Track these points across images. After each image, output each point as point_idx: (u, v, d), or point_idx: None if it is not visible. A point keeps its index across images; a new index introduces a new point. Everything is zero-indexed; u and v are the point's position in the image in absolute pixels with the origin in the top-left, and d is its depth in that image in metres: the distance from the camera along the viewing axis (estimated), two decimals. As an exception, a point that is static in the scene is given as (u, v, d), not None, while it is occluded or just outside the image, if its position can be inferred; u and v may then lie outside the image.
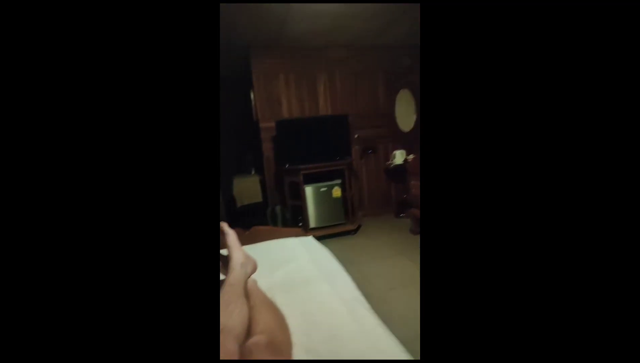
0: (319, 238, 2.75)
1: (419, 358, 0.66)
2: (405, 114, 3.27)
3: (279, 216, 2.81)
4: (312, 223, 2.87)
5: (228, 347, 0.52)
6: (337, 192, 2.90)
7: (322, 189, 2.87)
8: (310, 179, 2.83)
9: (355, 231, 2.94)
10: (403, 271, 2.04)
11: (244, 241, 1.38)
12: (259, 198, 3.25)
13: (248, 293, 0.76)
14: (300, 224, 2.86)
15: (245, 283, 0.78)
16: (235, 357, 0.52)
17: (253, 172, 3.71)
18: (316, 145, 2.99)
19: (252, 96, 3.20)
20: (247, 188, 3.26)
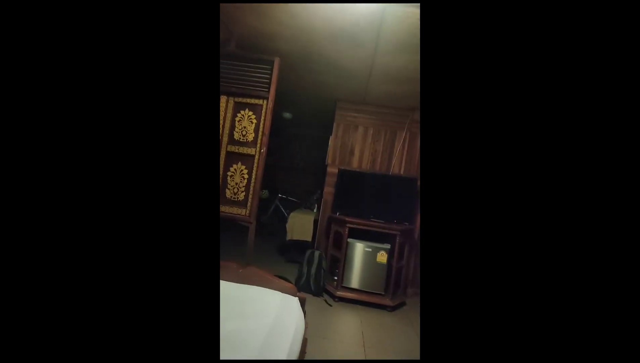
0: (349, 301, 2.57)
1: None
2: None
3: (315, 261, 2.77)
4: (347, 281, 2.71)
5: None
6: (382, 257, 2.67)
7: (367, 249, 2.71)
8: (359, 234, 2.72)
9: (393, 308, 2.62)
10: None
11: (235, 278, 1.38)
12: (308, 237, 3.30)
13: None
14: (335, 277, 2.75)
15: None
16: None
17: (315, 210, 3.82)
18: (377, 203, 2.90)
19: (330, 141, 3.40)
20: (300, 224, 3.35)
